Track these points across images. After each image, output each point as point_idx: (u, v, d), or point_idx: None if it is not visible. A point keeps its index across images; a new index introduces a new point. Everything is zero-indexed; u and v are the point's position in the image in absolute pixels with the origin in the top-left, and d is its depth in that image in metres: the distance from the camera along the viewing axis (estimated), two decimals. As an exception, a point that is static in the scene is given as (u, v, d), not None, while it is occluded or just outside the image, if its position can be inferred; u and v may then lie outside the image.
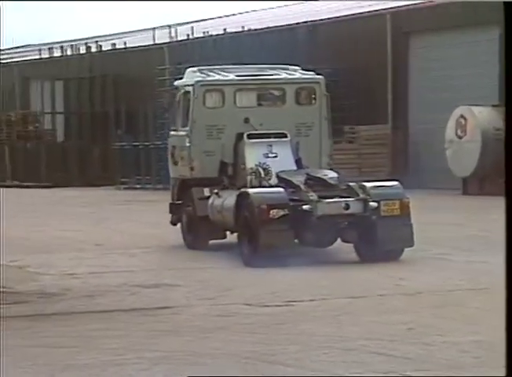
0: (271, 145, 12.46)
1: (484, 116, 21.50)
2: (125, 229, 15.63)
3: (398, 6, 25.04)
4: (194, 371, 6.21)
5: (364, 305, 8.63)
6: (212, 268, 11.30)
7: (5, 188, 28.34)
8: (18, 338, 7.39)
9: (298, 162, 12.53)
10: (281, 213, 11.12)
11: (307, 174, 12.01)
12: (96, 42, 34.11)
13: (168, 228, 13.64)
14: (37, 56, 36.09)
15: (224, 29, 29.03)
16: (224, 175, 12.78)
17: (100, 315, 8.40)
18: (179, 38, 30.50)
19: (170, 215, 13.50)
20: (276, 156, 12.36)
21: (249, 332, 7.46)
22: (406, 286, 9.69)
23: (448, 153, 22.45)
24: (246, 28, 28.37)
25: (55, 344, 7.22)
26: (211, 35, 29.16)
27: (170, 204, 13.58)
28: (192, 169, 12.97)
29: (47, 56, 35.15)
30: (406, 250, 11.59)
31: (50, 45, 36.08)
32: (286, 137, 12.60)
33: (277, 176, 12.14)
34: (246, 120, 12.82)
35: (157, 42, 31.55)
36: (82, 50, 33.40)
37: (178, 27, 32.40)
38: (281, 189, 11.57)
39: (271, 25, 27.93)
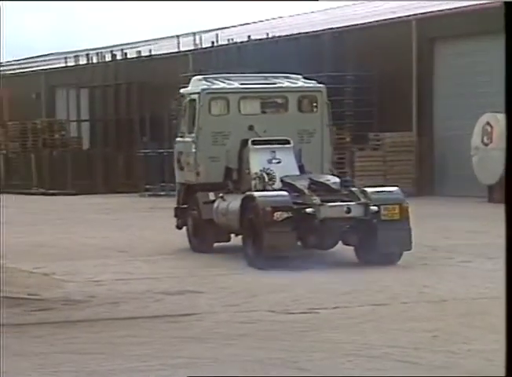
0: (274, 151, 12.84)
1: (510, 123, 21.35)
2: (149, 236, 15.67)
3: (424, 12, 24.97)
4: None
5: (388, 313, 8.59)
6: (235, 274, 11.31)
7: (31, 196, 28.55)
8: (44, 345, 7.43)
9: (300, 168, 12.94)
10: (285, 215, 11.49)
11: (310, 179, 12.43)
12: (122, 49, 34.30)
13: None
14: (63, 64, 36.35)
15: (249, 36, 29.07)
16: (229, 180, 13.20)
17: (124, 322, 8.43)
18: (203, 46, 30.59)
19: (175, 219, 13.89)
20: (279, 162, 12.78)
21: (274, 339, 7.45)
22: (430, 293, 9.64)
23: (474, 160, 22.33)
24: (270, 35, 28.39)
25: (80, 350, 7.25)
26: (235, 42, 29.22)
27: (176, 208, 14.00)
28: (197, 174, 13.39)
29: (73, 64, 35.39)
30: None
31: (76, 53, 36.31)
32: (289, 143, 12.96)
33: (281, 180, 12.56)
34: (251, 127, 13.24)
35: (182, 49, 31.67)
36: (108, 58, 33.58)
37: (203, 35, 32.50)
38: (285, 193, 11.94)
39: (295, 32, 27.93)
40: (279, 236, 11.38)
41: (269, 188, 12.48)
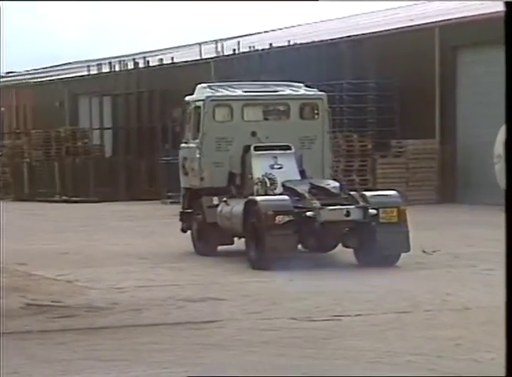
0: (276, 157, 13.26)
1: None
2: (171, 243, 15.70)
3: (446, 20, 24.90)
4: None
5: (411, 321, 8.56)
6: (258, 282, 11.31)
7: (54, 203, 28.69)
8: (67, 352, 7.46)
9: (301, 173, 13.33)
10: (286, 219, 11.93)
11: (311, 184, 12.86)
12: (144, 57, 34.45)
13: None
14: (86, 73, 36.55)
15: (270, 44, 29.11)
16: (232, 185, 13.60)
17: (146, 328, 8.46)
18: (225, 53, 30.66)
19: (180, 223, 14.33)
20: (281, 167, 13.19)
21: (296, 347, 7.44)
22: (453, 301, 9.60)
23: (497, 168, 22.21)
24: (291, 43, 28.42)
25: (102, 357, 7.28)
26: (257, 50, 29.27)
27: (181, 213, 14.46)
28: (201, 179, 13.87)
29: (96, 72, 35.58)
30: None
31: (99, 62, 36.51)
32: (290, 149, 13.39)
33: (283, 185, 12.96)
34: (253, 133, 13.73)
35: (204, 57, 31.76)
36: (130, 66, 33.74)
37: (225, 42, 32.58)
38: (286, 197, 12.38)
39: (316, 39, 27.93)
40: (280, 238, 11.87)
41: (271, 192, 12.90)
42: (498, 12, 23.57)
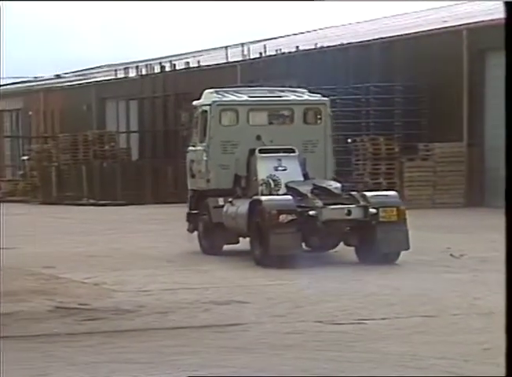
0: (280, 159, 13.73)
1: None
2: (197, 246, 15.73)
3: (475, 22, 24.76)
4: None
5: (438, 325, 8.51)
6: (281, 285, 11.30)
7: (81, 207, 28.84)
8: (94, 354, 7.50)
9: (305, 176, 13.74)
10: (289, 217, 12.33)
11: (313, 184, 13.30)
12: (171, 61, 34.57)
13: (241, 243, 14.02)
14: (113, 77, 36.75)
15: (297, 46, 29.09)
16: (238, 186, 14.03)
17: (172, 331, 8.48)
18: (252, 56, 30.68)
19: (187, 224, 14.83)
20: (285, 169, 13.63)
21: (321, 350, 7.43)
22: (481, 305, 9.53)
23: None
24: (318, 45, 28.37)
25: (129, 360, 7.30)
26: (283, 53, 29.25)
27: (187, 214, 14.98)
28: (208, 181, 14.32)
29: (123, 76, 35.75)
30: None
31: (126, 66, 36.69)
32: (294, 152, 13.86)
33: (286, 185, 13.40)
34: (258, 137, 14.17)
35: (230, 60, 31.80)
36: (157, 70, 33.87)
37: (251, 45, 32.61)
38: (290, 197, 12.85)
39: (343, 42, 27.86)
40: (284, 237, 12.27)
41: (275, 193, 13.30)
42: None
